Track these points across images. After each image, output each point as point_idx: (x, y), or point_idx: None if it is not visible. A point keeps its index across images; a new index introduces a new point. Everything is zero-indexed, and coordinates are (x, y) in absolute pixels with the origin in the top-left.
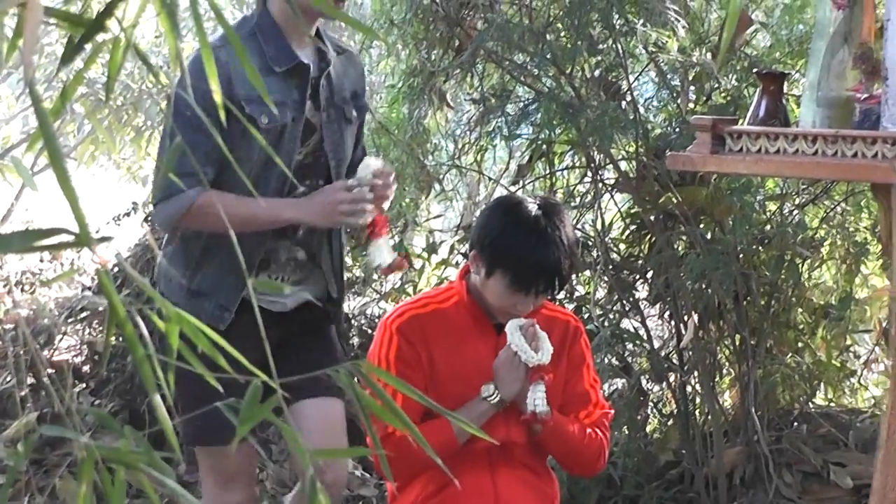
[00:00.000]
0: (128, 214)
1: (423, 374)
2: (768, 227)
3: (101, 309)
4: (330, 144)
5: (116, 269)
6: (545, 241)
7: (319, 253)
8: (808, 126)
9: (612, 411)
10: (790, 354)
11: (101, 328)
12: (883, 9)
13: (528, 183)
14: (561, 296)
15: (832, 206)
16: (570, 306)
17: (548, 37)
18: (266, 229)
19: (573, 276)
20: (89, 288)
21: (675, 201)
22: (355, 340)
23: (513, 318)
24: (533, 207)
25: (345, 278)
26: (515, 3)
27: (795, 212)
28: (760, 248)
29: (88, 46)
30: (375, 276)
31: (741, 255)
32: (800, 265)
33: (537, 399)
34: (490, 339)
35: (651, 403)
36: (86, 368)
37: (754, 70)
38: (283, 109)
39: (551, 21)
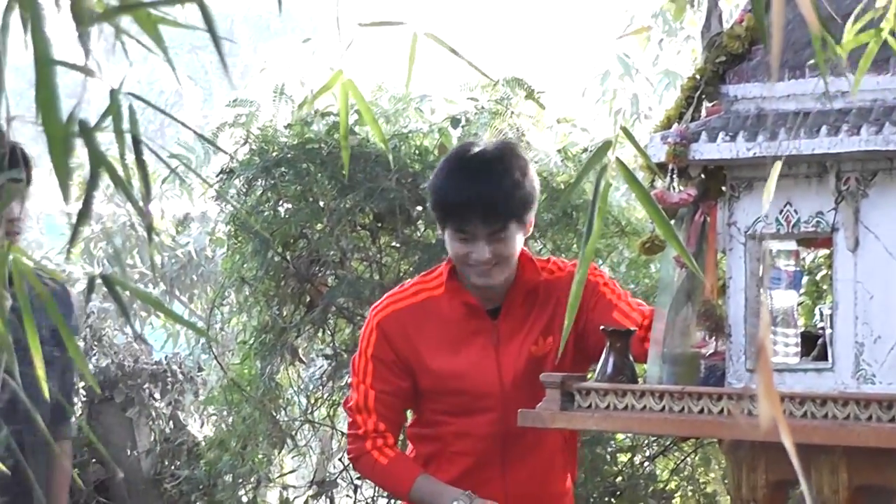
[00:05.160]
0: None
1: (402, 369)
2: (619, 478)
3: None
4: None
5: None
6: (475, 173)
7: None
8: (654, 382)
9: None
10: None
11: None
12: (724, 267)
13: None
14: None
15: (682, 458)
16: None
17: None
18: None
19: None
20: None
21: None
22: None
23: (478, 274)
24: (476, 149)
25: None
26: (366, 260)
27: (646, 463)
28: (612, 499)
29: None
30: None
31: None
32: None
33: None
34: (484, 324)
35: None
36: None
37: (601, 327)
38: None
39: (401, 276)
